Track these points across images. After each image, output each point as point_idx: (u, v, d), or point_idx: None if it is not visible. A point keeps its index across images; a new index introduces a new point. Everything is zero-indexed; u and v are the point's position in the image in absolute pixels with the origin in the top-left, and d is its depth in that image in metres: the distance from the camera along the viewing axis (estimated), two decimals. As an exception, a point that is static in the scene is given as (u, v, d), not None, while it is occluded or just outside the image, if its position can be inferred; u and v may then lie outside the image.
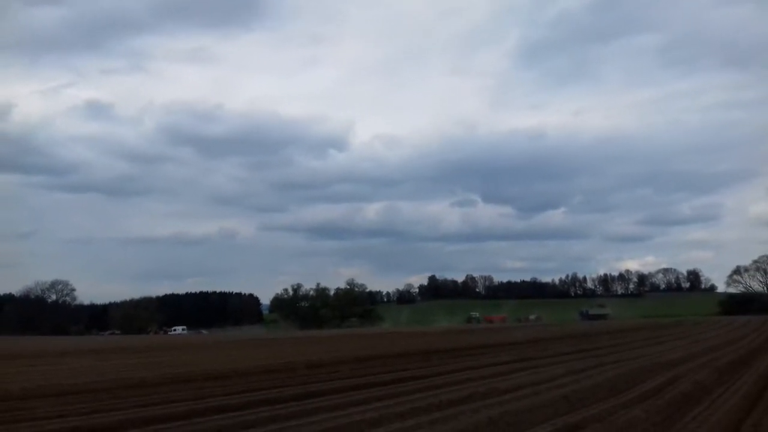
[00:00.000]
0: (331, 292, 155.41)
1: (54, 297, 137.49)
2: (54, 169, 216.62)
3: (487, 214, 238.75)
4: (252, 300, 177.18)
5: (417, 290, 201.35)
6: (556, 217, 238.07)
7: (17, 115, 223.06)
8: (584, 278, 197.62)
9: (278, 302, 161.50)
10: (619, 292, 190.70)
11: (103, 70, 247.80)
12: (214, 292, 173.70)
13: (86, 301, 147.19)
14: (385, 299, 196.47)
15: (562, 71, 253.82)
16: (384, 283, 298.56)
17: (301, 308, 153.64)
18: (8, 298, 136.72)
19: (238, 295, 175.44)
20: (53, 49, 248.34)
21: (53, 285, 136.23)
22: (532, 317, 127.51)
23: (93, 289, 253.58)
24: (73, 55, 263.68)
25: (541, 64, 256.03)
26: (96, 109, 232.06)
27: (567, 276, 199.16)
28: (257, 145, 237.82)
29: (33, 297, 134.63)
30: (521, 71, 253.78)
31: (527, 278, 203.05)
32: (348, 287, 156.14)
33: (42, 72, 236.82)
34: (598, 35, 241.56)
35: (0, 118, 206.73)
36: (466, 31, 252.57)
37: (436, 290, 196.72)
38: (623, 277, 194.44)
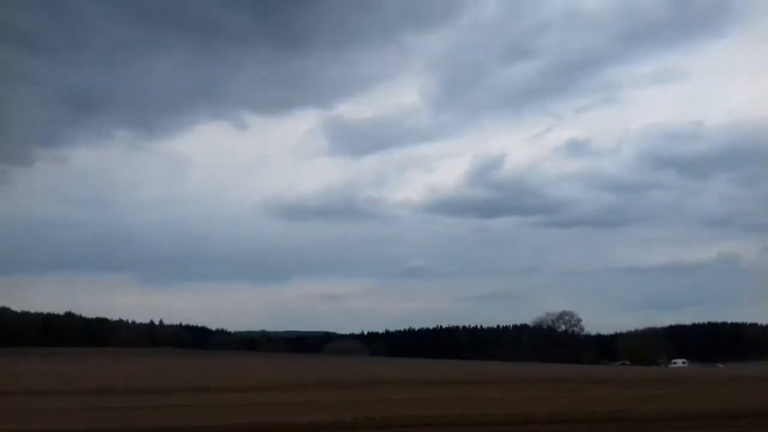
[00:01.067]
0: None
1: (563, 327, 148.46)
2: (546, 207, 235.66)
3: None
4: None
5: None
6: None
7: (509, 163, 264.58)
8: None
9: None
10: None
11: (576, 109, 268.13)
12: (724, 323, 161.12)
13: (593, 331, 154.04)
14: None
15: None
16: None
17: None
18: (524, 328, 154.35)
19: (753, 325, 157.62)
20: (532, 99, 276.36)
21: (561, 316, 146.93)
22: None
23: (598, 319, 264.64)
24: (550, 101, 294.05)
25: None
26: (575, 147, 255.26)
27: None
28: (746, 157, 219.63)
29: (545, 327, 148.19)
30: None
31: None
32: None
33: (525, 121, 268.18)
34: None
35: (496, 167, 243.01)
36: None
37: None
38: None
